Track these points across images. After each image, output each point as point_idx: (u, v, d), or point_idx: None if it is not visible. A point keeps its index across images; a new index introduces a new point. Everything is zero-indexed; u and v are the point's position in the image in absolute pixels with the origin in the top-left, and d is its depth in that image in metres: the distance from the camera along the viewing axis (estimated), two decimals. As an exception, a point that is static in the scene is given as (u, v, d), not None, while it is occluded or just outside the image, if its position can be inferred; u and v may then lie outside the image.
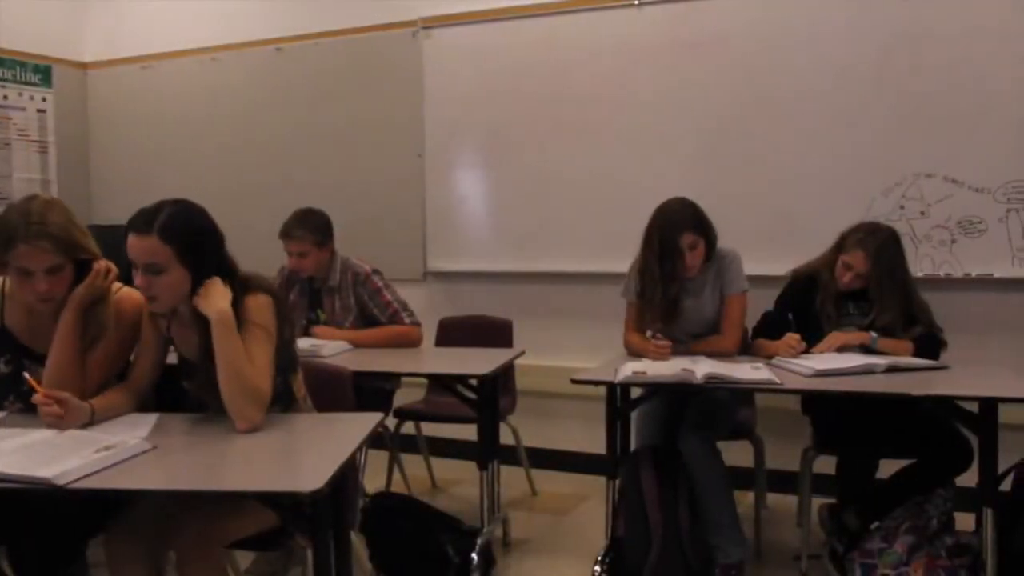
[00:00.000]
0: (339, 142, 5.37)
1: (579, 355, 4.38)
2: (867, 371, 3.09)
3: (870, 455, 3.49)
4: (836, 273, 3.42)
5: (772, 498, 4.14)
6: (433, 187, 5.13)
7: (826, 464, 3.50)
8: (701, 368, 3.07)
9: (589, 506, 4.32)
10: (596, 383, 3.17)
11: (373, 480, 4.18)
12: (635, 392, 3.35)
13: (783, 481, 4.06)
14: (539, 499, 4.48)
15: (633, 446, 3.50)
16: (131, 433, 2.24)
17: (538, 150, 4.84)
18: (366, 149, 5.30)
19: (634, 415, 3.49)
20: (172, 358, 2.62)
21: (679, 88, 4.51)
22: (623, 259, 3.74)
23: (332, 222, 4.01)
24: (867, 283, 3.38)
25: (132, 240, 2.34)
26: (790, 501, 3.98)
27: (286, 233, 3.90)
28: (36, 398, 2.33)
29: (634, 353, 3.53)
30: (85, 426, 2.32)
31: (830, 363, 3.15)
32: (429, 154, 5.12)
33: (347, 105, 5.34)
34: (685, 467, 3.29)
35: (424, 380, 4.24)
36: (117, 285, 2.63)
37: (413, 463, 4.54)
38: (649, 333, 3.42)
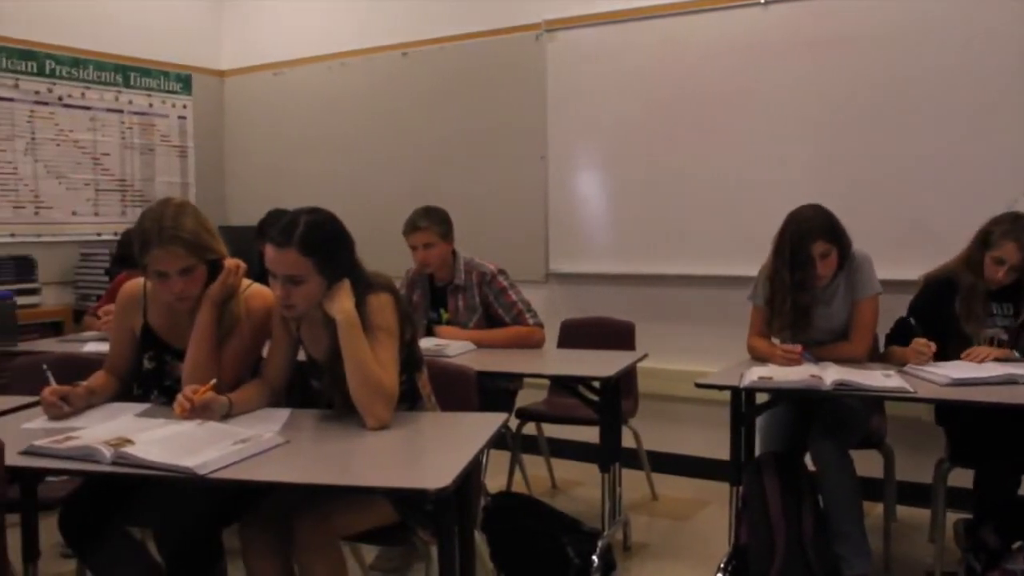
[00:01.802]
0: (463, 144, 5.44)
1: (702, 359, 4.32)
2: (1009, 381, 2.95)
3: (1011, 469, 3.33)
4: (986, 272, 3.27)
5: (902, 511, 3.99)
6: (556, 189, 5.14)
7: (960, 477, 3.36)
8: (829, 374, 2.99)
9: (710, 512, 4.27)
10: (721, 387, 3.12)
11: (494, 479, 4.22)
12: (760, 398, 3.28)
13: (914, 493, 3.92)
14: (659, 503, 4.45)
15: (757, 452, 3.44)
16: (265, 427, 2.33)
17: (661, 152, 4.80)
18: (489, 151, 5.35)
19: (759, 421, 3.42)
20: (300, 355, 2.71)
21: (806, 87, 4.40)
22: (748, 262, 3.68)
23: (454, 223, 4.04)
24: (1021, 275, 3.23)
25: (271, 252, 2.41)
26: (921, 515, 3.84)
27: (412, 225, 3.92)
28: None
29: (758, 358, 3.46)
30: (223, 419, 2.41)
31: (968, 372, 3.01)
32: (552, 156, 5.14)
33: (471, 108, 5.41)
34: (810, 475, 3.21)
35: (546, 381, 4.25)
36: (247, 282, 2.73)
37: (534, 463, 4.56)
38: (776, 340, 3.35)
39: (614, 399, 3.59)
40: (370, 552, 3.35)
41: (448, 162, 5.49)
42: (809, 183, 4.25)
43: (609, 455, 3.56)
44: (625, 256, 4.96)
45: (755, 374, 3.11)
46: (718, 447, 3.55)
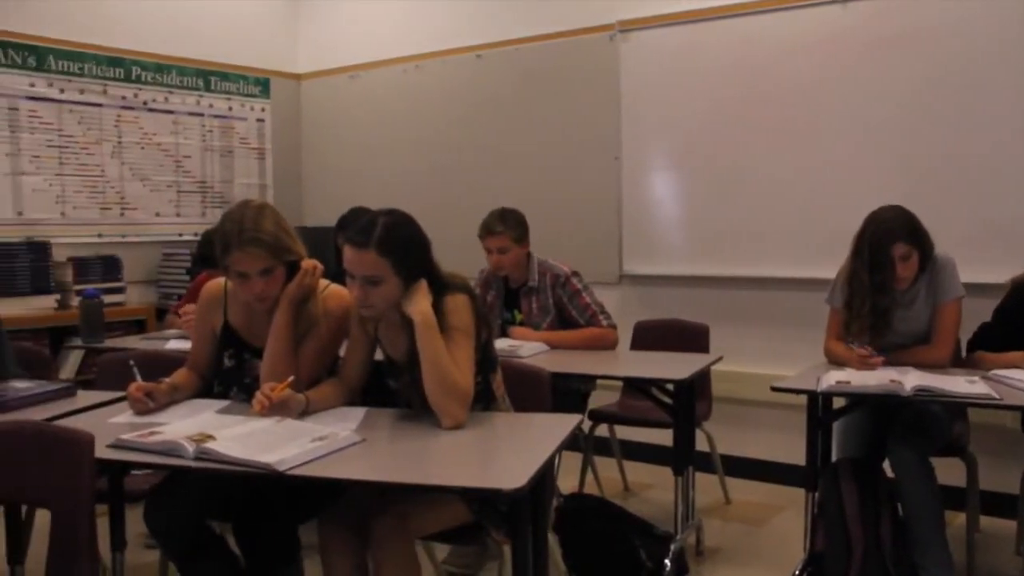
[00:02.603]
0: (536, 145, 5.45)
1: (778, 362, 4.26)
2: (1100, 388, 2.86)
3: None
4: None
5: (986, 521, 3.88)
6: (629, 189, 5.12)
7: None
8: (910, 380, 2.93)
9: (785, 517, 4.21)
10: (797, 392, 3.08)
11: (566, 480, 4.22)
12: (837, 402, 3.23)
13: (998, 504, 3.81)
14: (733, 508, 4.40)
15: (833, 457, 3.38)
16: (342, 425, 2.37)
17: (737, 152, 4.75)
18: (563, 152, 5.35)
19: (836, 426, 3.36)
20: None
21: (885, 85, 4.31)
22: (825, 264, 3.62)
23: (528, 224, 4.07)
24: None
25: (349, 253, 2.44)
26: (1006, 526, 3.73)
27: (487, 229, 3.95)
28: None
29: (836, 362, 3.40)
30: (300, 416, 2.45)
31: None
32: (626, 156, 5.12)
33: (544, 109, 5.42)
34: (889, 482, 3.15)
35: (618, 383, 4.23)
36: (324, 282, 2.78)
37: (605, 465, 4.55)
38: (854, 344, 3.29)
39: (688, 402, 3.56)
40: (442, 550, 3.38)
41: (522, 163, 5.50)
42: (888, 184, 4.15)
43: (683, 458, 3.54)
44: (699, 258, 4.92)
45: (832, 378, 3.06)
46: (793, 452, 3.51)
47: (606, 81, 5.15)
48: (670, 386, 3.44)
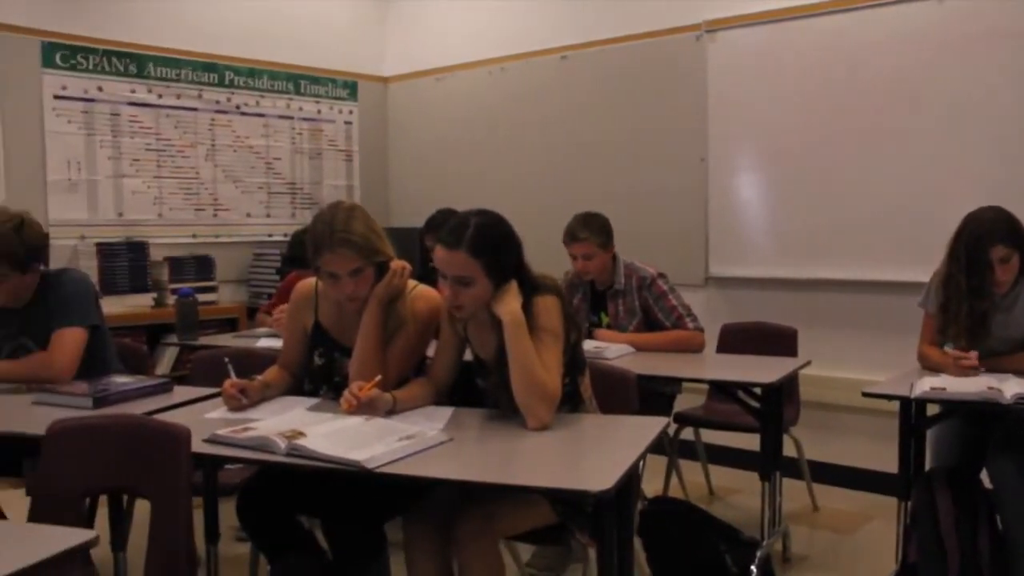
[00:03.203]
0: (621, 146, 5.43)
1: (868, 367, 4.17)
2: None
3: None
4: None
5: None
6: (716, 191, 5.06)
7: None
8: (1010, 387, 2.83)
9: (875, 527, 4.11)
10: (890, 397, 3.00)
11: (649, 484, 4.19)
12: (932, 409, 3.14)
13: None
14: (821, 515, 4.31)
15: (928, 466, 3.29)
16: (429, 424, 2.39)
17: (826, 152, 4.66)
18: (648, 153, 5.32)
19: (930, 433, 3.27)
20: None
21: (982, 83, 4.18)
22: (917, 267, 3.54)
23: (612, 226, 4.04)
24: None
25: (441, 253, 2.47)
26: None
27: (571, 236, 3.95)
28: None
29: (930, 367, 3.30)
30: (387, 415, 2.49)
31: None
32: (712, 158, 5.06)
33: (629, 110, 5.39)
34: (987, 492, 3.05)
35: (704, 386, 4.19)
36: (412, 283, 2.81)
37: (690, 469, 4.51)
38: (948, 348, 3.20)
39: (776, 406, 3.51)
40: (525, 550, 3.39)
41: (607, 165, 5.48)
42: (986, 184, 4.02)
43: (770, 463, 3.49)
44: (787, 260, 4.84)
45: (927, 384, 2.97)
46: (884, 459, 3.43)
47: (692, 81, 5.10)
48: (758, 390, 3.39)
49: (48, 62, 5.05)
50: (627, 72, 5.40)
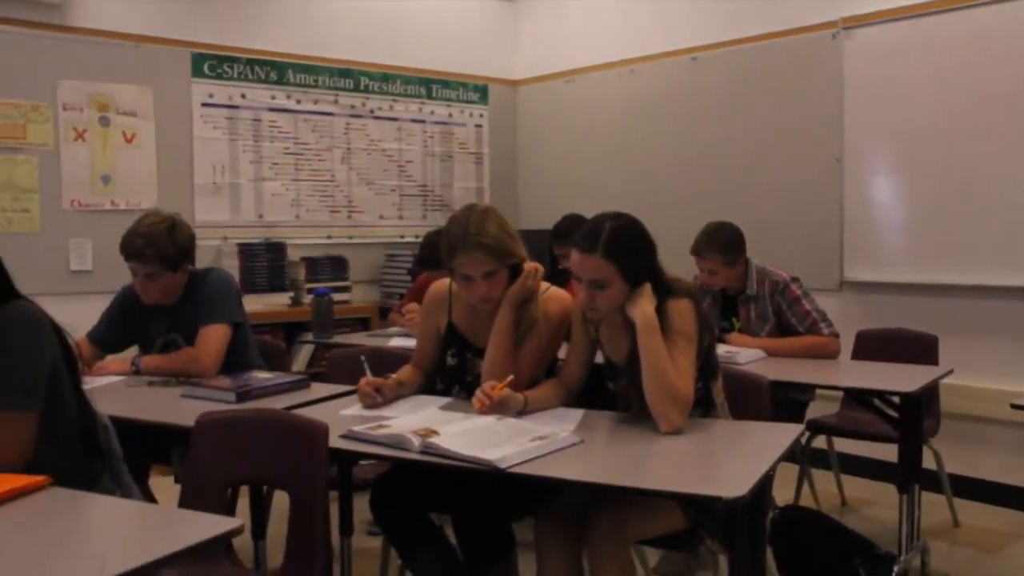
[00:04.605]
0: (753, 148, 5.33)
1: (1016, 378, 3.98)
2: None
3: None
4: None
5: None
6: (851, 192, 4.92)
7: None
8: None
9: (1022, 546, 3.91)
10: (1043, 410, 2.87)
11: (780, 492, 4.10)
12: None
13: None
14: (962, 531, 4.14)
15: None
16: (560, 426, 2.40)
17: (968, 153, 4.46)
18: (781, 154, 5.21)
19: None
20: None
21: None
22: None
23: (744, 233, 3.93)
24: None
25: (577, 257, 2.49)
26: None
27: (696, 252, 3.90)
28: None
29: (1086, 379, 3.14)
30: (518, 415, 2.51)
31: None
32: (848, 158, 4.92)
33: (762, 110, 5.29)
34: None
35: (838, 393, 4.08)
36: (545, 285, 2.83)
37: (821, 478, 4.39)
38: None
39: (915, 416, 3.39)
40: (653, 554, 3.36)
41: (739, 166, 5.39)
42: None
43: (908, 475, 3.36)
44: (927, 264, 4.65)
45: (1083, 397, 2.83)
46: (1034, 475, 3.27)
47: (828, 80, 4.97)
48: (895, 398, 3.28)
49: (197, 71, 5.29)
50: (760, 72, 5.30)
